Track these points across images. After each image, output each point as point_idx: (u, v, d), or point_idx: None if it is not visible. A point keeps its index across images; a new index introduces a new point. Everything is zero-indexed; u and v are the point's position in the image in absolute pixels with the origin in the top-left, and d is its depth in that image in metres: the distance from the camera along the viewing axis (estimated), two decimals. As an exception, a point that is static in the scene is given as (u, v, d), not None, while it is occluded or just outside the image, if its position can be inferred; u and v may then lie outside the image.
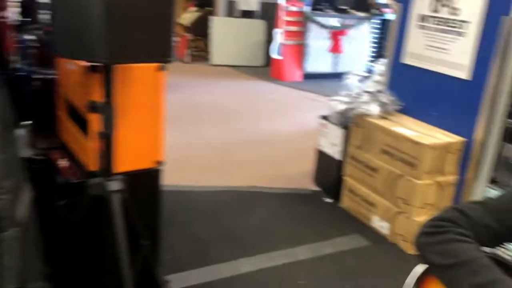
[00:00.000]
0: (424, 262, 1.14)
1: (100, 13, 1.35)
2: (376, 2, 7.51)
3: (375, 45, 7.66)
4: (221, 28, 7.99)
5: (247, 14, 8.45)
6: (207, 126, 4.80)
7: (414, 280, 1.18)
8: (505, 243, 1.17)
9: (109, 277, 1.79)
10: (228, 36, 7.98)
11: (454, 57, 2.76)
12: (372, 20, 7.59)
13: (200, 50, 8.49)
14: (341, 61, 7.44)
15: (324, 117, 3.42)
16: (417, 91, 3.04)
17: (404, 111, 3.10)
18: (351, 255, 2.70)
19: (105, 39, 1.35)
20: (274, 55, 7.12)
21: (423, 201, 2.73)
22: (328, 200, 3.37)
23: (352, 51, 7.49)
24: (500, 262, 1.10)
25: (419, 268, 1.20)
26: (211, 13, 8.68)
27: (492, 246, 1.15)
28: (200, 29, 8.21)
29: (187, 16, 8.84)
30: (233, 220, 3.00)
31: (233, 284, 2.39)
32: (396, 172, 2.81)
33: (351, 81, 3.45)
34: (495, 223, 1.11)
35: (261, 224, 2.98)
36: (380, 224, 2.95)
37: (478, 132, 2.67)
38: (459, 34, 2.73)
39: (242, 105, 5.72)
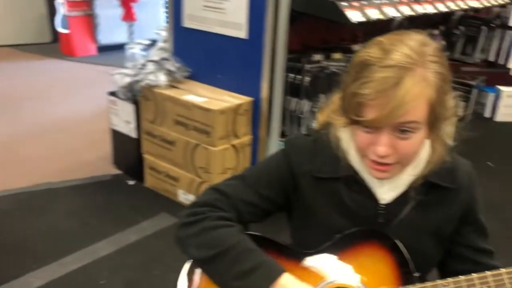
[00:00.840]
0: (187, 257, 1.00)
1: None
2: (164, -36, 7.22)
3: (167, 10, 7.43)
4: (-10, 2, 6.82)
5: (20, -16, 7.34)
6: (-18, 121, 4.05)
7: (184, 279, 1.04)
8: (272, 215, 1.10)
9: None
10: (1, 11, 6.86)
11: (231, 16, 2.70)
12: (163, -16, 7.31)
13: (-31, 30, 7.16)
14: (137, 29, 7.03)
15: (112, 93, 3.12)
16: (202, 55, 2.93)
17: (193, 77, 2.98)
18: (157, 238, 2.54)
19: None
20: (60, 29, 6.38)
21: (223, 167, 2.68)
22: (131, 182, 3.13)
23: (147, 18, 7.13)
24: (266, 239, 1.03)
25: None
26: (-25, -15, 7.34)
27: (259, 221, 1.07)
28: (-38, 6, 6.88)
29: None
30: (18, 229, 2.56)
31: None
32: (193, 142, 2.70)
33: (135, 51, 3.19)
34: (254, 196, 1.02)
35: (54, 226, 2.60)
36: (185, 198, 2.84)
37: (263, 90, 2.69)
38: (232, -8, 2.67)
39: (29, 91, 4.98)
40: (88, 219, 2.69)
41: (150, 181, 3.04)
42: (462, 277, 0.87)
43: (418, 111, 0.83)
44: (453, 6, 3.35)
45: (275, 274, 0.90)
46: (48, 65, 6.09)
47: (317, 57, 2.75)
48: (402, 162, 0.90)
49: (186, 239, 0.97)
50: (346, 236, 0.96)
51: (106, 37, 6.78)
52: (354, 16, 2.52)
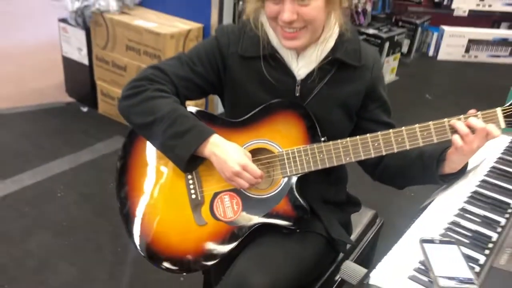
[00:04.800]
0: (130, 125, 1.14)
1: None
2: None
3: None
4: None
5: None
6: None
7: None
8: (212, 94, 1.25)
9: None
10: None
11: None
12: None
13: None
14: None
15: (63, 20, 3.10)
16: (152, -19, 2.96)
17: (144, 3, 3.01)
18: (112, 157, 2.64)
19: None
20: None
21: (174, 91, 2.78)
22: (85, 109, 3.19)
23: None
24: (201, 111, 1.17)
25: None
26: None
27: (194, 97, 1.21)
28: None
29: None
30: (-29, 149, 2.61)
31: (-21, 216, 2.14)
32: (144, 67, 2.77)
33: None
34: (188, 72, 1.15)
35: (7, 147, 2.67)
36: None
37: (213, 17, 2.77)
38: None
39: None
40: (41, 142, 2.76)
41: (103, 107, 3.11)
42: (367, 136, 1.05)
43: None
44: None
45: (206, 134, 1.06)
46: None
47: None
48: (308, 28, 1.04)
49: (128, 108, 1.11)
50: (267, 106, 1.12)
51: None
52: None
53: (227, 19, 2.79)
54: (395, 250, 0.90)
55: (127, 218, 1.16)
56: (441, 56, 4.92)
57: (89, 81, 3.11)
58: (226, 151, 1.04)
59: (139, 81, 1.12)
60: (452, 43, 4.89)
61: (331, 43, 1.11)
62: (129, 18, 2.82)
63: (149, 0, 2.99)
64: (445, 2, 4.91)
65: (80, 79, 3.19)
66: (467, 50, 4.91)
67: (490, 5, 4.82)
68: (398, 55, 4.22)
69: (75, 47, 3.11)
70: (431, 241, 0.89)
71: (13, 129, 2.87)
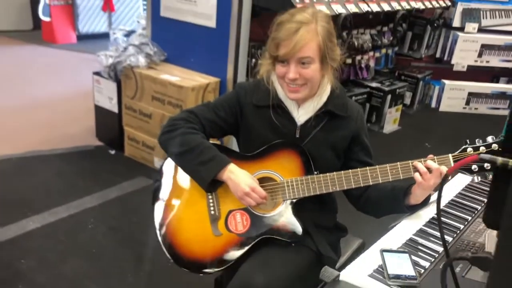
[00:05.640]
0: (168, 154, 1.47)
1: None
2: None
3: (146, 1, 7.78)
4: (-27, -11, 7.04)
5: (3, -28, 7.58)
6: (-29, 98, 4.38)
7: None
8: (230, 134, 1.58)
9: None
10: (-17, -2, 7.09)
11: (201, 8, 3.15)
12: (142, -23, 7.66)
13: (-50, 15, 7.35)
14: (116, 19, 7.40)
15: (97, 73, 3.52)
16: (176, 41, 3.37)
17: (169, 60, 3.42)
18: (136, 195, 2.97)
19: None
20: (42, 16, 6.68)
21: (193, 137, 3.13)
22: (113, 152, 3.55)
23: (125, 8, 7.50)
24: (222, 146, 1.50)
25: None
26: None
27: (217, 136, 1.54)
28: None
29: None
30: (13, 186, 2.95)
31: (20, 242, 2.44)
32: (167, 115, 3.13)
33: (117, 36, 3.60)
34: (213, 116, 1.50)
35: (44, 184, 3.01)
36: (160, 164, 3.26)
37: (229, 72, 3.15)
38: (203, -13, 3.11)
39: (11, 72, 5.31)
40: (74, 180, 3.11)
41: (129, 150, 3.47)
42: (349, 171, 1.37)
43: (310, 50, 1.33)
44: (397, 6, 3.87)
45: (225, 163, 1.38)
46: (29, 51, 6.40)
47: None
48: (307, 85, 1.37)
49: (167, 141, 1.44)
50: (273, 145, 1.44)
51: (85, 26, 7.11)
52: (306, 11, 3.00)
53: (241, 74, 3.16)
54: (362, 257, 1.18)
55: (159, 228, 1.47)
56: (443, 108, 5.23)
57: (118, 127, 3.48)
58: (239, 176, 1.37)
59: (176, 120, 1.46)
60: (452, 96, 5.21)
61: (324, 98, 1.44)
62: (155, 72, 3.22)
63: (173, 57, 3.40)
64: (445, 58, 5.27)
65: (110, 125, 3.56)
66: (467, 103, 5.22)
67: (488, 61, 5.17)
68: (400, 106, 4.55)
69: (107, 96, 3.51)
70: (389, 251, 1.17)
71: (50, 168, 3.22)
